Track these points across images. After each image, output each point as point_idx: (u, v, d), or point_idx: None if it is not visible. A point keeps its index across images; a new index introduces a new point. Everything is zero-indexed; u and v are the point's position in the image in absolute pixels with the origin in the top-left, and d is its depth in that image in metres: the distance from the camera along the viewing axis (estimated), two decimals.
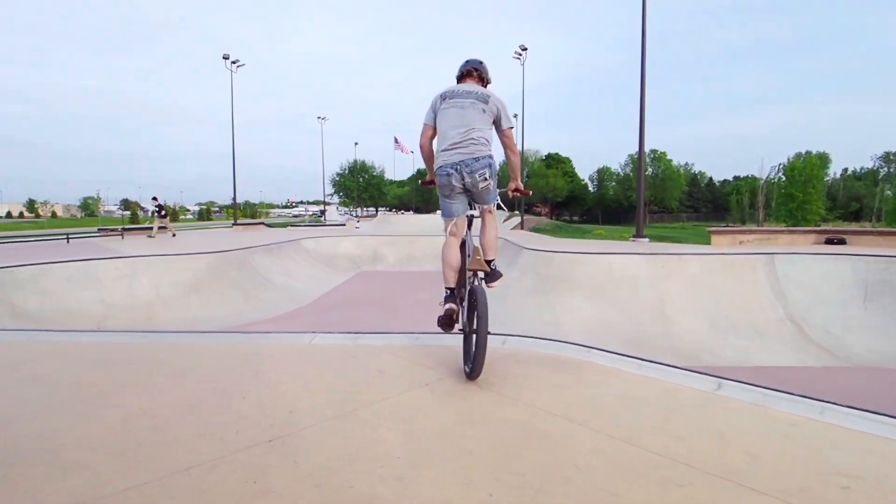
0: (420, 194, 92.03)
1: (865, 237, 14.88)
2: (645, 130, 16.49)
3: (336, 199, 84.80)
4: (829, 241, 15.05)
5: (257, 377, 3.06)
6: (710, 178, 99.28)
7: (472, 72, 3.31)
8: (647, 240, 16.66)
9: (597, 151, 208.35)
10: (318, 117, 55.60)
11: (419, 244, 19.32)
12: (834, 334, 10.41)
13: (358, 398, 2.71)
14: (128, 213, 64.30)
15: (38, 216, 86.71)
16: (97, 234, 19.99)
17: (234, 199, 35.42)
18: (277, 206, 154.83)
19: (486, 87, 3.32)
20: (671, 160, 77.98)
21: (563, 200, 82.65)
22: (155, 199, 20.70)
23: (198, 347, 3.79)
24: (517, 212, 52.34)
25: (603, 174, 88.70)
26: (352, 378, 3.07)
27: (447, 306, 3.16)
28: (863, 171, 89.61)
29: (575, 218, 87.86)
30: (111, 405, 2.64)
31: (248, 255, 13.81)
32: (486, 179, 3.10)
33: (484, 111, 3.08)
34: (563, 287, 11.21)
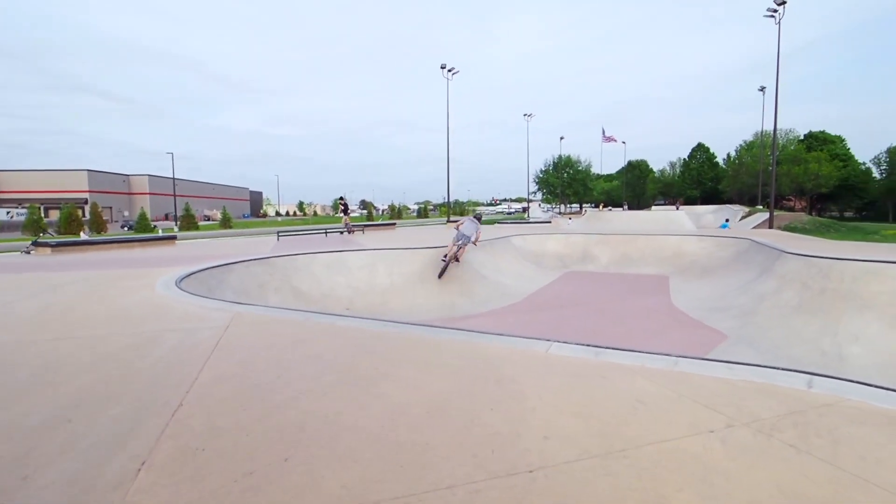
0: (631, 188, 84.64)
1: None
2: None
3: (539, 195, 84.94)
4: None
5: (500, 386, 2.88)
6: None
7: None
8: None
9: (882, 127, 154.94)
10: (524, 114, 56.48)
11: (636, 244, 17.49)
12: None
13: (622, 433, 2.23)
14: (364, 211, 77.83)
15: (304, 214, 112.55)
16: (341, 230, 24.38)
17: (448, 198, 38.85)
18: (483, 204, 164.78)
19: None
20: None
21: (829, 192, 64.07)
22: (342, 198, 23.45)
23: (440, 342, 3.89)
24: (760, 206, 42.95)
25: None
26: (606, 404, 2.61)
27: None
28: None
29: (848, 213, 67.57)
30: (376, 394, 2.80)
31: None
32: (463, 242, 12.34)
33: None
34: (847, 306, 8.44)
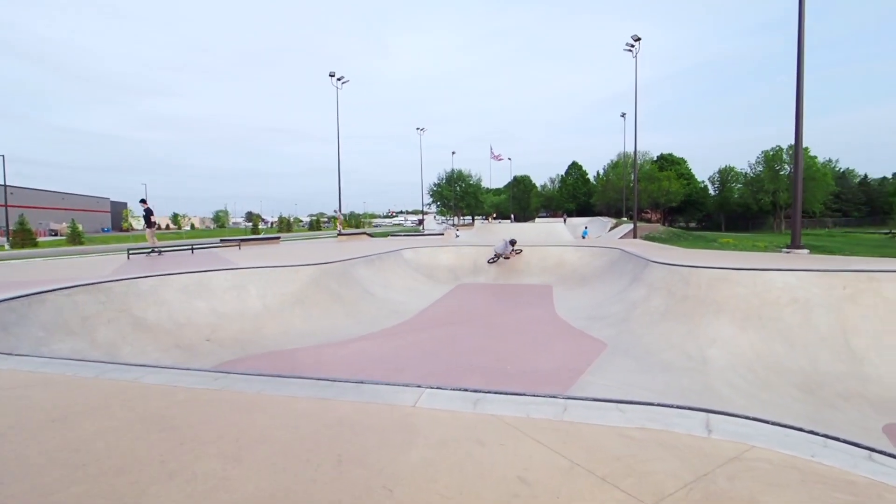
0: (517, 202, 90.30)
1: None
2: (802, 119, 13.46)
3: (434, 208, 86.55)
4: None
5: (340, 474, 2.10)
6: (865, 176, 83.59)
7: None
8: (806, 251, 13.52)
9: (716, 151, 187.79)
10: (417, 128, 56.89)
11: (524, 255, 17.97)
12: None
13: None
14: (249, 224, 71.84)
15: (179, 227, 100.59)
16: (219, 245, 21.72)
17: (340, 209, 37.15)
18: (379, 216, 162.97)
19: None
20: (815, 157, 66.62)
21: (677, 206, 75.07)
22: (143, 200, 16.96)
23: (275, 402, 2.98)
24: (625, 219, 48.20)
25: (726, 175, 78.88)
26: (481, 489, 1.97)
27: None
28: None
29: (692, 224, 79.35)
30: None
31: (349, 266, 13.65)
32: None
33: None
34: (706, 311, 9.18)
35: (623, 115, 51.93)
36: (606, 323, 10.26)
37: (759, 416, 2.59)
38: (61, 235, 53.12)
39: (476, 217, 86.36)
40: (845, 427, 5.97)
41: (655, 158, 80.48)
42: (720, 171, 79.77)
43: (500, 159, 70.01)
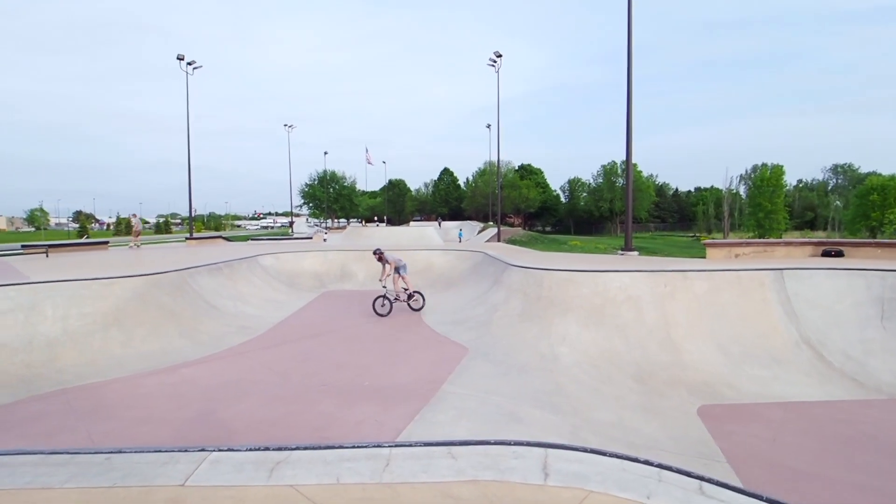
0: (393, 205, 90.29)
1: (864, 249, 14.11)
2: (632, 140, 15.39)
3: (306, 210, 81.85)
4: (826, 254, 14.23)
5: None
6: (676, 189, 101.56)
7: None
8: (636, 253, 15.46)
9: (567, 164, 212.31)
10: (285, 125, 53.39)
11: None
12: (856, 359, 9.37)
13: None
14: (76, 225, 59.95)
15: None
16: (19, 252, 17.34)
17: (190, 210, 32.76)
18: (245, 218, 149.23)
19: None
20: (640, 171, 79.27)
21: (535, 211, 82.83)
22: None
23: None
24: (492, 223, 51.21)
25: (574, 185, 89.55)
26: None
27: None
28: (815, 182, 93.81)
29: (547, 228, 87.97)
30: None
31: (188, 276, 11.77)
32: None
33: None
34: (556, 311, 9.75)
35: (488, 126, 55.36)
36: (468, 326, 10.33)
37: (597, 448, 2.45)
38: None
39: (351, 220, 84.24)
40: (670, 413, 6.62)
41: (517, 168, 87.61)
42: (570, 182, 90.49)
43: (371, 162, 69.19)
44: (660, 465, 2.33)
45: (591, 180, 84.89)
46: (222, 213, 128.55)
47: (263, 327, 10.88)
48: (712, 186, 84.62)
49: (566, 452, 2.45)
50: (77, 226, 60.13)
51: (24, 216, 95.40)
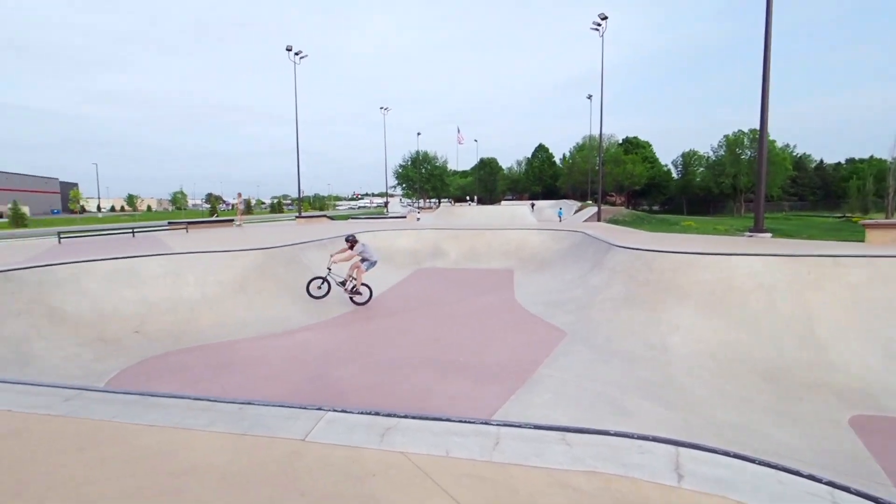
0: (484, 185, 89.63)
1: None
2: (768, 104, 13.32)
3: (399, 190, 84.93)
4: None
5: None
6: (820, 161, 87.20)
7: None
8: (768, 235, 13.54)
9: (680, 136, 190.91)
10: (381, 108, 55.31)
11: (483, 238, 17.44)
12: None
13: None
14: (208, 206, 68.60)
15: (134, 209, 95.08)
16: (165, 228, 20.19)
17: (299, 191, 35.59)
18: (345, 199, 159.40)
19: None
20: (774, 141, 68.63)
21: (641, 188, 76.22)
22: None
23: (120, 437, 2.24)
24: (591, 202, 48.54)
25: (689, 159, 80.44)
26: None
27: None
28: None
29: (655, 207, 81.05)
30: None
31: (299, 251, 12.73)
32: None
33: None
34: (668, 297, 8.88)
35: (589, 96, 52.08)
36: (566, 309, 9.87)
37: (743, 453, 2.07)
38: (4, 217, 48.97)
39: (442, 200, 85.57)
40: (811, 420, 5.73)
41: (621, 142, 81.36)
42: (683, 155, 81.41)
43: (461, 142, 69.09)
44: (830, 483, 1.90)
45: (711, 153, 75.48)
46: (325, 195, 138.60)
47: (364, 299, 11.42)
48: (872, 157, 71.18)
49: (703, 454, 2.12)
50: (208, 206, 68.74)
51: (169, 198, 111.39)
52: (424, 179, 78.01)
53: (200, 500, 1.77)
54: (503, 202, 70.69)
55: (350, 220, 29.12)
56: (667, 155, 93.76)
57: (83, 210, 75.07)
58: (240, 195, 27.95)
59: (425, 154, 79.94)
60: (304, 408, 2.46)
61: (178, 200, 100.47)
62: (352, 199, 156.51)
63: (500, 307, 10.62)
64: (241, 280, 10.51)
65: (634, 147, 79.16)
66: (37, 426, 2.39)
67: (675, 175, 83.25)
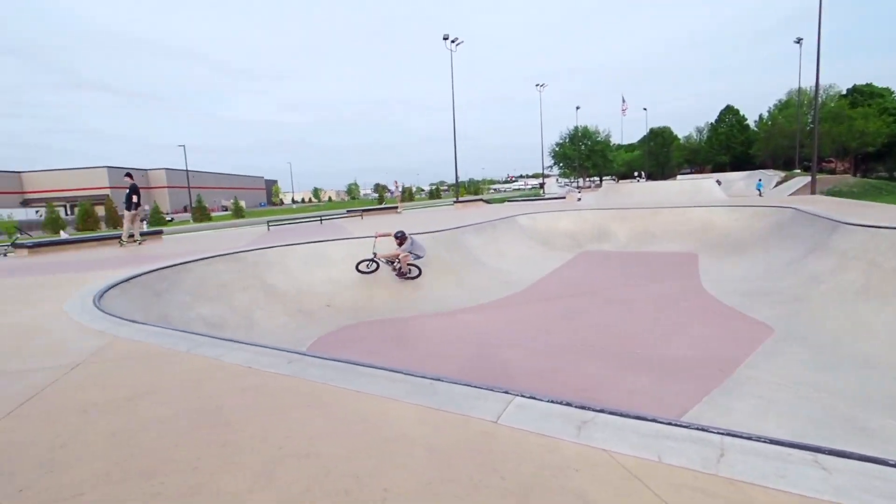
0: (654, 158, 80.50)
1: None
2: None
3: (556, 170, 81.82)
4: None
5: None
6: None
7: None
8: None
9: None
10: (537, 85, 53.80)
11: (658, 217, 15.65)
12: None
13: None
14: (376, 195, 76.73)
15: (319, 200, 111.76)
16: (344, 216, 23.11)
17: (456, 177, 37.16)
18: (498, 182, 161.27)
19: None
20: None
21: (876, 150, 58.68)
22: (129, 175, 13.89)
23: (339, 400, 2.49)
24: (798, 170, 39.60)
25: None
26: None
27: None
28: None
29: None
30: None
31: (459, 234, 13.21)
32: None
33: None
34: None
35: (798, 40, 42.34)
36: (772, 301, 8.21)
37: None
38: (229, 210, 62.75)
39: (604, 177, 79.80)
40: None
41: (845, 92, 64.14)
42: None
43: (625, 112, 62.98)
44: None
45: None
46: (479, 179, 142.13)
47: (524, 283, 11.31)
48: None
49: None
50: (376, 195, 76.82)
51: (345, 189, 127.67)
52: (584, 157, 73.51)
53: (409, 466, 1.84)
54: (678, 177, 62.41)
55: (506, 203, 29.27)
56: None
57: (282, 202, 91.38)
58: (396, 182, 29.89)
59: (584, 129, 75.15)
60: (492, 389, 2.42)
61: (352, 191, 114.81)
62: (505, 182, 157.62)
63: (683, 295, 9.39)
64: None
65: (866, 97, 61.17)
66: (272, 382, 2.85)
67: None
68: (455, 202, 32.65)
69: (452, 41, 34.38)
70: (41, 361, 3.48)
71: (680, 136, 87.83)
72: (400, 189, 28.19)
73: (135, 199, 13.24)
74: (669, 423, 2.02)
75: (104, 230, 34.36)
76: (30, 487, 1.86)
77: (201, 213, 44.14)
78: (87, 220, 35.64)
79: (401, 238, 10.68)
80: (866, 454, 1.79)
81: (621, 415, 2.11)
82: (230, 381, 2.92)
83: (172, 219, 49.51)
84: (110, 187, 65.07)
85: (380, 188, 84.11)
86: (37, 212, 50.58)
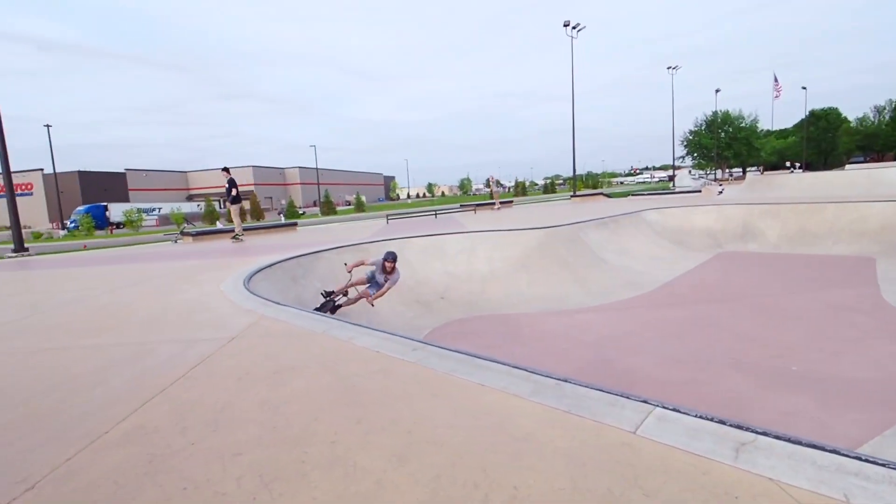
0: (816, 145, 68.14)
1: None
2: None
3: (689, 161, 73.26)
4: None
5: None
6: None
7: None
8: None
9: None
10: (668, 67, 49.14)
11: (821, 214, 13.22)
12: None
13: None
14: (488, 190, 77.14)
15: (432, 195, 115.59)
16: (458, 210, 23.53)
17: (574, 170, 35.62)
18: (620, 175, 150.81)
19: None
20: None
21: None
22: (226, 170, 13.28)
23: (462, 391, 2.50)
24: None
25: None
26: None
27: None
28: None
29: None
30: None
31: (578, 230, 12.61)
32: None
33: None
34: None
35: None
36: None
37: None
38: (351, 205, 68.19)
39: (748, 168, 69.69)
40: None
41: None
42: None
43: (778, 94, 53.98)
44: None
45: None
46: (598, 172, 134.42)
47: (651, 285, 10.40)
48: None
49: None
50: (488, 190, 77.16)
51: (457, 184, 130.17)
52: (724, 145, 64.46)
53: (542, 467, 1.76)
54: (847, 166, 51.95)
55: (630, 198, 27.23)
56: None
57: (398, 197, 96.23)
58: (491, 177, 25.29)
59: (725, 114, 65.91)
60: (628, 397, 2.22)
61: (464, 186, 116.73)
62: (628, 175, 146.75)
63: (855, 306, 7.81)
64: (524, 257, 11.09)
65: None
66: (398, 368, 2.97)
67: None
68: (572, 196, 31.37)
69: (574, 27, 32.93)
70: (206, 333, 4.08)
71: (850, 118, 72.96)
72: (497, 185, 24.43)
73: (234, 192, 12.73)
74: (858, 458, 1.64)
75: (249, 221, 39.62)
76: (200, 443, 2.15)
77: (328, 208, 48.90)
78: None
79: (393, 264, 7.59)
80: None
81: (790, 441, 1.77)
82: (361, 363, 3.12)
83: (304, 212, 55.51)
84: (255, 184, 74.61)
85: (490, 183, 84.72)
86: (198, 205, 60.18)
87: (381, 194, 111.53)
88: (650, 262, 12.49)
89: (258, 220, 42.84)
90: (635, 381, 5.41)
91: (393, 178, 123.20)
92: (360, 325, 4.20)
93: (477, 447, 1.92)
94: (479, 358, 2.94)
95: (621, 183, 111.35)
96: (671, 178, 64.43)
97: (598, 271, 11.14)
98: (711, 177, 63.37)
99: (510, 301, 9.64)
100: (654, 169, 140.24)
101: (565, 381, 2.43)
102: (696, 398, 4.91)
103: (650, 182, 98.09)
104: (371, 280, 7.79)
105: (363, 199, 55.14)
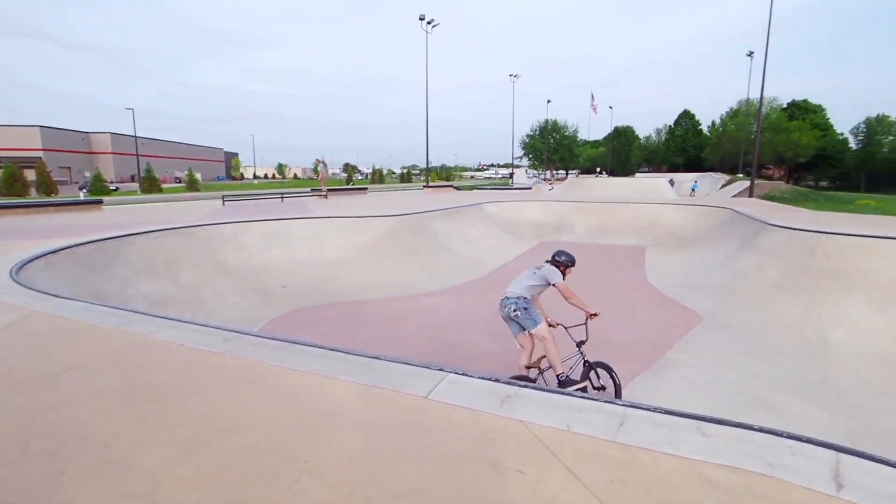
0: (617, 155, 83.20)
1: None
2: None
3: (525, 161, 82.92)
4: None
5: (295, 491, 1.59)
6: None
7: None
8: None
9: (863, 98, 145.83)
10: (510, 75, 54.01)
11: (614, 213, 16.26)
12: None
13: None
14: (345, 175, 75.33)
15: (283, 177, 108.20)
16: (308, 195, 22.58)
17: (427, 161, 37.00)
18: (470, 169, 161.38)
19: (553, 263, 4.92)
20: None
21: (807, 161, 63.36)
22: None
23: (274, 377, 2.55)
24: (741, 175, 42.12)
25: (874, 126, 64.80)
26: None
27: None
28: None
29: (823, 183, 67.30)
30: None
31: (426, 219, 13.26)
32: (514, 311, 4.67)
33: (534, 273, 4.88)
34: (833, 286, 7.43)
35: (749, 53, 44.54)
36: (705, 293, 8.81)
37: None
38: (182, 182, 59.55)
39: (570, 171, 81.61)
40: None
41: (785, 106, 68.36)
42: (867, 121, 65.64)
43: (595, 110, 64.25)
44: None
45: None
46: (451, 165, 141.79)
47: (484, 270, 11.55)
48: None
49: (871, 464, 1.72)
50: (346, 175, 75.41)
51: (311, 167, 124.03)
52: (553, 150, 74.89)
53: (338, 438, 1.94)
54: (637, 174, 64.61)
55: (475, 191, 29.45)
56: (844, 122, 75.47)
57: (242, 177, 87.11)
58: (318, 159, 21.70)
59: (554, 123, 76.41)
60: (428, 367, 2.55)
61: (318, 170, 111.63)
62: (476, 170, 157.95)
63: (630, 287, 9.89)
64: (374, 244, 11.28)
65: (802, 112, 65.54)
66: (205, 360, 2.86)
67: (853, 145, 67.63)
68: (425, 187, 32.55)
69: (428, 22, 33.84)
70: None
71: (641, 136, 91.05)
72: (326, 168, 19.81)
73: None
74: (582, 397, 2.22)
75: (34, 196, 31.99)
76: None
77: (150, 184, 41.54)
78: (13, 185, 32.65)
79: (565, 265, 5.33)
80: (741, 422, 2.05)
81: (542, 390, 2.29)
82: (162, 358, 2.91)
83: (118, 188, 46.54)
84: (43, 149, 59.54)
85: (349, 168, 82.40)
86: None
87: (222, 172, 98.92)
88: (486, 250, 13.81)
89: (48, 195, 34.42)
90: (468, 355, 6.06)
91: (236, 154, 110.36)
92: (165, 318, 3.85)
93: (277, 429, 2.02)
94: (297, 343, 3.01)
95: (472, 177, 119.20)
96: (510, 176, 71.65)
97: (443, 258, 11.91)
98: (543, 177, 72.27)
99: (359, 288, 9.68)
100: (499, 166, 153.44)
101: (377, 358, 2.67)
102: (506, 364, 5.72)
103: (495, 178, 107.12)
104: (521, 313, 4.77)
105: (198, 176, 48.37)
